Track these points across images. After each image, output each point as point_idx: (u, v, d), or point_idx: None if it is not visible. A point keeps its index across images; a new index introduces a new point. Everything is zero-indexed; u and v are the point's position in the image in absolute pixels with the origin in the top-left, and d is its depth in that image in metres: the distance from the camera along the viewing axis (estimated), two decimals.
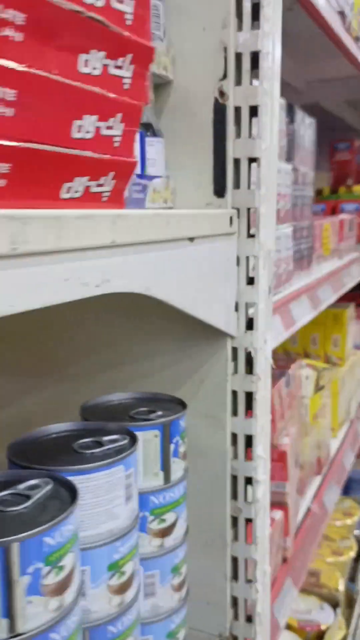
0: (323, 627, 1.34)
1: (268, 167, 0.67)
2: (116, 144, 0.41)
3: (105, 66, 0.39)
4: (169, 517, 0.63)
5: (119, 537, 0.52)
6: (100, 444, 0.55)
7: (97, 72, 0.38)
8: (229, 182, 0.67)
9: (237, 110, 0.65)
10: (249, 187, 0.67)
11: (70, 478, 0.48)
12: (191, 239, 0.56)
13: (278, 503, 1.11)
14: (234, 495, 0.75)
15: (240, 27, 0.63)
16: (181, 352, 0.73)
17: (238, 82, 0.65)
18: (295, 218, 1.31)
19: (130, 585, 0.54)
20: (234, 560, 0.76)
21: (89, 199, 0.40)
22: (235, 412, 0.73)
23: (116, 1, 0.38)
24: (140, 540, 0.61)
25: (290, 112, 1.24)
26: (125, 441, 0.55)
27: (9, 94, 0.32)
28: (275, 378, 1.15)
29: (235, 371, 0.71)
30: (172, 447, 0.62)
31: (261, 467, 0.74)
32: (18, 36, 0.32)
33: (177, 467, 0.63)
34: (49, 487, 0.46)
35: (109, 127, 0.40)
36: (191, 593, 0.76)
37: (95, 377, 0.76)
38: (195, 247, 0.57)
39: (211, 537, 0.76)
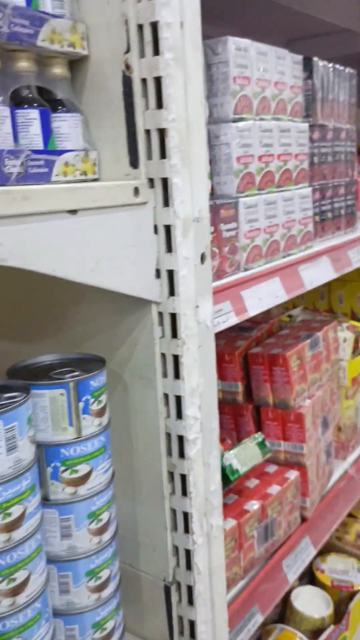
0: (356, 588, 1.35)
1: (183, 137, 0.68)
2: None
3: None
4: (82, 468, 0.69)
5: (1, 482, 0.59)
6: None
7: None
8: (141, 153, 0.69)
9: (144, 82, 0.67)
10: (162, 157, 0.68)
11: None
12: (73, 212, 0.60)
13: (295, 463, 1.13)
14: (169, 452, 0.79)
15: None
16: (118, 316, 0.77)
17: (142, 54, 0.66)
18: (324, 176, 1.28)
19: (19, 525, 0.61)
20: (173, 512, 0.81)
21: None
22: (165, 374, 0.76)
23: None
24: (53, 487, 0.67)
25: (307, 66, 1.20)
26: (21, 398, 0.62)
27: None
28: (300, 340, 1.16)
29: (163, 335, 0.75)
30: (81, 405, 0.67)
31: (193, 426, 0.77)
32: None
33: (89, 424, 0.68)
34: None
35: None
36: (140, 540, 0.83)
37: (39, 341, 0.83)
38: (79, 219, 0.60)
39: (152, 490, 0.81)
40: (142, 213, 0.68)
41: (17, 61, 0.63)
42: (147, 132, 0.69)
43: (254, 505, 1.00)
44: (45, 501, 0.69)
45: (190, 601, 0.82)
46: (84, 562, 0.71)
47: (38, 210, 0.56)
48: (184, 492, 0.79)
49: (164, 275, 0.72)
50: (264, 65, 0.96)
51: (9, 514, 0.60)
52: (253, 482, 1.08)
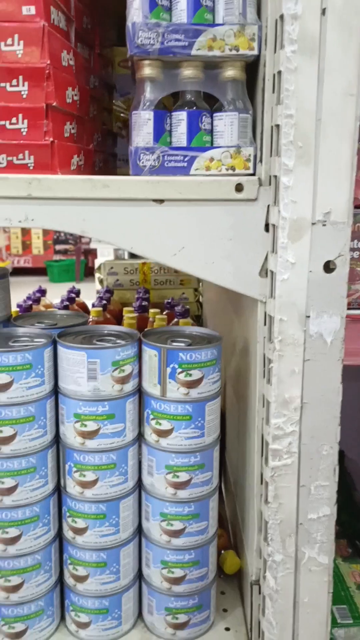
0: None
1: (304, 134, 0.65)
2: (24, 133, 0.66)
3: (2, 88, 0.65)
4: (165, 424, 0.80)
5: (82, 399, 0.78)
6: (104, 340, 0.81)
7: None
8: (264, 150, 0.70)
9: (274, 76, 0.67)
10: (277, 154, 0.68)
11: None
12: (159, 201, 0.70)
13: None
14: (262, 453, 0.78)
15: None
16: (243, 310, 0.81)
17: (275, 49, 0.66)
18: None
19: (92, 437, 0.79)
20: (260, 516, 0.80)
21: (13, 167, 0.68)
22: (264, 375, 0.76)
23: (4, 45, 0.63)
24: (147, 429, 0.82)
25: None
26: (112, 344, 0.78)
27: None
28: None
29: (269, 337, 0.74)
30: (168, 370, 0.78)
31: (282, 439, 0.74)
32: None
33: (174, 389, 0.78)
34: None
35: (13, 124, 0.66)
36: (246, 526, 0.86)
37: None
38: (165, 208, 0.70)
39: (251, 484, 0.82)
40: (246, 209, 0.70)
41: (177, 69, 0.74)
42: (277, 127, 0.68)
43: None
44: (141, 439, 0.83)
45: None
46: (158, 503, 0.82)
47: (118, 197, 0.69)
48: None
49: (269, 275, 0.71)
50: None
51: (85, 425, 0.79)
52: None
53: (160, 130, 0.75)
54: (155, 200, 0.70)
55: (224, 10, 0.72)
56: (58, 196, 0.69)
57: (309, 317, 0.70)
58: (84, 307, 1.77)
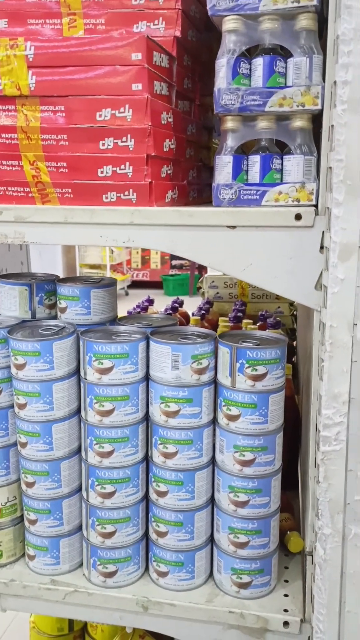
0: None
1: (352, 175, 0.80)
2: (129, 176, 0.87)
3: (115, 143, 0.86)
4: (234, 410, 0.97)
5: (166, 385, 0.97)
6: (186, 338, 0.99)
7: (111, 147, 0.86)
8: (321, 186, 0.85)
9: (329, 128, 0.83)
10: (330, 190, 0.83)
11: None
12: (232, 227, 0.88)
13: None
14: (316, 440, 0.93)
15: None
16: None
17: (329, 107, 0.82)
18: None
19: (173, 417, 0.97)
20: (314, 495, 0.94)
21: (121, 202, 0.89)
22: (318, 373, 0.90)
23: (118, 112, 0.84)
24: (220, 413, 0.99)
25: None
26: (192, 342, 0.97)
27: None
28: None
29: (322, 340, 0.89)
30: (237, 364, 0.95)
31: (331, 427, 0.88)
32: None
33: (242, 380, 0.95)
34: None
35: (122, 169, 0.87)
36: (307, 501, 1.01)
37: None
38: (238, 232, 0.88)
39: (309, 468, 0.96)
40: (304, 234, 0.85)
41: (254, 122, 0.92)
42: (330, 168, 0.84)
43: None
44: (215, 422, 1.00)
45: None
46: (227, 477, 0.99)
47: (200, 224, 0.88)
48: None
49: (322, 288, 0.86)
50: None
51: (168, 406, 0.97)
52: None
53: (238, 170, 0.93)
54: (228, 227, 0.87)
55: (293, 74, 0.88)
56: (153, 223, 0.89)
57: (356, 324, 0.84)
58: (185, 317, 1.98)
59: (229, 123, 0.91)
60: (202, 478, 1.00)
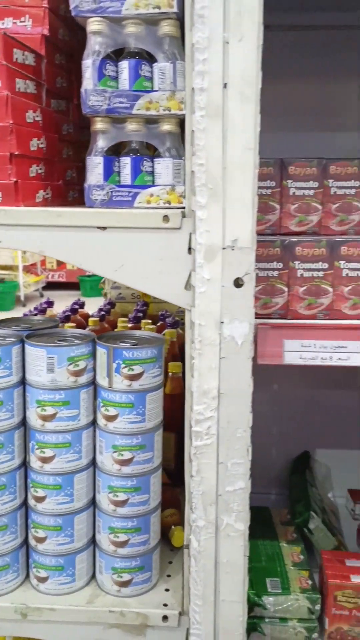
0: None
1: (213, 179, 0.83)
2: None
3: None
4: (112, 411, 0.97)
5: (42, 388, 0.95)
6: (64, 340, 0.98)
7: None
8: (187, 189, 0.88)
9: (192, 132, 0.85)
10: (194, 194, 0.85)
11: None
12: (102, 228, 0.88)
13: None
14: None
15: None
16: None
17: (190, 112, 0.84)
18: None
19: (50, 420, 0.96)
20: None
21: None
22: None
23: None
24: (99, 414, 0.99)
25: None
26: (68, 344, 0.96)
27: None
28: None
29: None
30: (114, 365, 0.95)
31: (202, 422, 0.91)
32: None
33: (119, 381, 0.95)
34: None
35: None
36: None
37: None
38: (108, 234, 0.88)
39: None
40: (173, 236, 0.87)
41: (123, 124, 0.92)
42: (193, 172, 0.86)
43: None
44: (95, 424, 1.00)
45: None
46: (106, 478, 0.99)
47: (70, 224, 0.87)
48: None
49: (190, 288, 0.89)
50: None
51: (45, 410, 0.96)
52: None
53: (110, 172, 0.93)
54: (99, 228, 0.88)
55: (159, 79, 0.90)
56: (21, 223, 0.87)
57: (223, 322, 0.87)
58: (86, 318, 1.96)
59: (98, 124, 0.92)
60: (82, 480, 0.99)
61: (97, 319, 1.80)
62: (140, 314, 1.85)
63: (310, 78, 1.29)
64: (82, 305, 2.11)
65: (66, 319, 1.85)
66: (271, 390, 1.47)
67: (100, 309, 1.99)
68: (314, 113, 1.29)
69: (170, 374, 1.35)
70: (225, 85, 0.80)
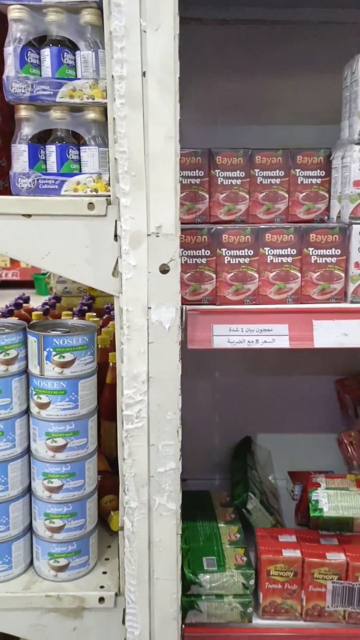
0: None
1: (136, 166, 0.84)
2: None
3: None
4: (44, 398, 0.97)
5: None
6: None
7: None
8: (111, 176, 0.89)
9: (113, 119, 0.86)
10: (117, 181, 0.87)
11: None
12: (27, 215, 0.88)
13: None
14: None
15: None
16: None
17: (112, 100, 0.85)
18: None
19: None
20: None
21: None
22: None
23: None
24: (31, 402, 0.99)
25: None
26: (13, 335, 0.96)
27: None
28: None
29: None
30: (45, 353, 0.96)
31: (132, 406, 0.92)
32: None
33: (50, 368, 0.96)
34: None
35: None
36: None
37: None
38: (34, 221, 0.88)
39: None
40: (99, 223, 0.89)
41: (47, 111, 0.93)
42: (116, 160, 0.87)
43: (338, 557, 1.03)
44: (29, 412, 1.01)
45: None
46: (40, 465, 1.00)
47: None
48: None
49: (118, 275, 0.90)
50: None
51: None
52: None
53: (35, 159, 0.93)
54: (24, 215, 0.88)
55: (82, 67, 0.91)
56: None
57: (150, 308, 0.89)
58: (30, 312, 1.94)
59: (23, 112, 0.92)
60: (16, 469, 1.00)
61: (41, 312, 1.79)
62: (86, 307, 1.85)
63: (242, 73, 1.32)
64: (26, 300, 2.09)
65: (9, 313, 1.84)
66: (212, 378, 1.50)
67: (45, 303, 1.98)
68: (246, 107, 1.32)
69: (111, 364, 1.36)
70: (144, 74, 0.82)
